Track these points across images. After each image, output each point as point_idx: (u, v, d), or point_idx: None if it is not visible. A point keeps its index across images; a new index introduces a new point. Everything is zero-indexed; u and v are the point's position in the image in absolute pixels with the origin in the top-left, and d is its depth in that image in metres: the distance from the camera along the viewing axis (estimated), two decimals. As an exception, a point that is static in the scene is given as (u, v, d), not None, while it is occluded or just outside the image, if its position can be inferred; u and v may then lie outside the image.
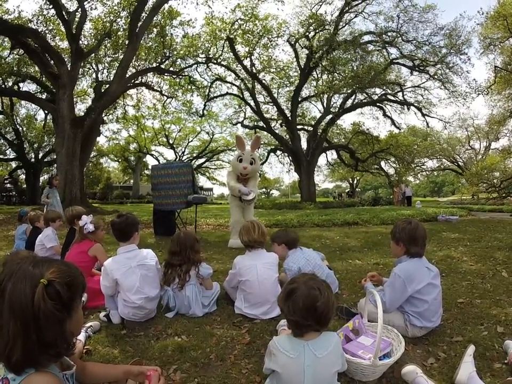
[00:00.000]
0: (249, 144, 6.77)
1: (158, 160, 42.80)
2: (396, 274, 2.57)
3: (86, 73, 21.52)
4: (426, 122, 25.24)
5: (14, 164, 34.72)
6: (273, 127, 26.73)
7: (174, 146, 41.84)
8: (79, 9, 16.01)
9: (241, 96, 25.32)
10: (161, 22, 19.21)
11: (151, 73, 21.35)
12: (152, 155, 44.51)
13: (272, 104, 25.54)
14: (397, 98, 24.84)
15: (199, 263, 3.19)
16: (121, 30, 18.40)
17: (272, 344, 1.79)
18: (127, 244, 3.03)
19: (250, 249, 3.22)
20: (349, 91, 23.00)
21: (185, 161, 36.02)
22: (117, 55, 19.67)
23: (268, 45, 21.89)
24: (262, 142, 32.46)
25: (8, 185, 36.99)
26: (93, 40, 18.82)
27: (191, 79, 22.82)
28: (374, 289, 2.45)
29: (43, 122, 28.84)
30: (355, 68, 20.72)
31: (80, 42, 16.66)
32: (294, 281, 1.81)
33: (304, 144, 26.25)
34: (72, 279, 1.26)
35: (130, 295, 2.85)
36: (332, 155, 33.73)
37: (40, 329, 1.16)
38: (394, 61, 22.52)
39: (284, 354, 1.70)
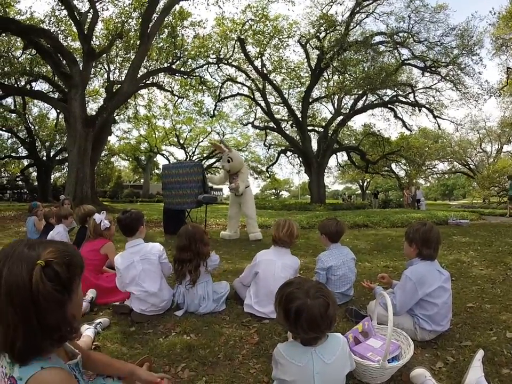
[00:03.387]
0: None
1: (169, 160, 42.95)
2: (407, 277, 2.56)
3: (97, 73, 21.71)
4: (438, 124, 25.00)
5: (26, 162, 35.17)
6: (284, 128, 26.69)
7: (185, 146, 41.99)
8: (91, 10, 16.15)
9: (252, 96, 25.30)
10: (172, 22, 19.30)
11: (162, 73, 21.49)
12: (162, 155, 44.77)
13: (282, 105, 25.54)
14: (408, 100, 24.58)
15: (208, 257, 3.16)
16: (133, 30, 18.54)
17: (277, 353, 1.74)
18: (134, 238, 3.14)
19: (275, 245, 3.21)
20: (360, 92, 22.89)
21: (195, 161, 36.19)
22: (128, 56, 19.83)
23: (279, 46, 21.88)
24: (272, 143, 32.60)
25: (20, 182, 37.55)
26: (105, 40, 19.00)
27: (202, 79, 22.89)
28: (384, 292, 2.45)
29: (55, 121, 29.17)
30: (366, 69, 20.60)
31: (92, 42, 16.83)
32: (295, 296, 1.63)
33: (314, 145, 26.12)
34: (70, 258, 1.21)
35: (131, 286, 3.00)
36: (342, 156, 33.70)
37: (41, 313, 1.11)
38: (405, 61, 22.30)
39: (291, 363, 1.66)
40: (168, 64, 20.62)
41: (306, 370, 1.63)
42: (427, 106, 24.05)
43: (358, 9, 20.64)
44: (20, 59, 17.88)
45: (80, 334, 2.57)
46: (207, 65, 22.50)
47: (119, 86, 17.80)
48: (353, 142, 29.91)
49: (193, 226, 3.33)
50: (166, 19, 17.54)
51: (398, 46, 21.16)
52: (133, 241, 3.13)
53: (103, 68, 21.47)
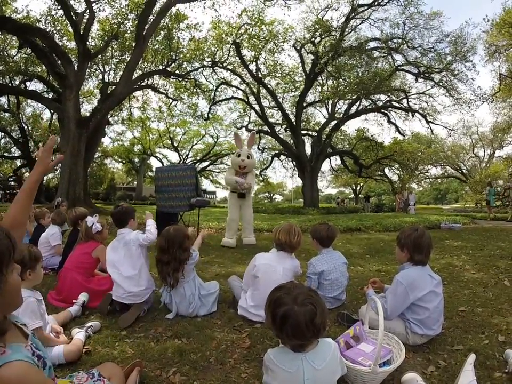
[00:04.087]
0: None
1: (162, 163, 42.93)
2: (398, 281, 2.56)
3: (92, 74, 21.65)
4: (431, 129, 25.15)
5: (18, 162, 34.84)
6: (278, 131, 26.68)
7: (178, 149, 41.85)
8: (87, 11, 16.16)
9: (246, 100, 25.28)
10: (168, 25, 19.32)
11: (157, 75, 21.47)
12: (156, 157, 44.70)
13: (277, 109, 25.51)
14: (401, 105, 24.74)
15: (186, 262, 3.10)
16: (129, 32, 18.51)
17: (268, 358, 1.73)
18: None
19: (280, 250, 3.15)
20: (353, 97, 22.96)
21: (189, 164, 36.10)
22: (123, 57, 19.79)
23: (274, 50, 21.93)
24: (266, 147, 32.52)
25: (12, 183, 37.21)
26: (100, 41, 19.00)
27: (197, 82, 22.90)
28: (376, 296, 2.45)
29: (49, 121, 29.00)
30: (360, 74, 20.67)
31: (88, 43, 16.79)
32: (282, 302, 1.62)
33: (308, 150, 26.20)
34: None
35: (110, 268, 3.21)
36: (335, 161, 33.80)
37: None
38: (399, 67, 22.44)
39: (282, 369, 1.65)
40: (163, 67, 20.62)
41: (297, 376, 1.63)
42: (420, 111, 24.21)
43: (353, 15, 20.78)
44: (15, 58, 17.86)
45: (70, 337, 2.56)
46: (202, 68, 22.53)
47: (113, 87, 17.75)
48: (347, 146, 29.99)
49: (175, 229, 3.27)
50: (162, 21, 17.57)
51: (392, 52, 21.30)
52: (120, 230, 3.34)
53: (98, 68, 21.40)
